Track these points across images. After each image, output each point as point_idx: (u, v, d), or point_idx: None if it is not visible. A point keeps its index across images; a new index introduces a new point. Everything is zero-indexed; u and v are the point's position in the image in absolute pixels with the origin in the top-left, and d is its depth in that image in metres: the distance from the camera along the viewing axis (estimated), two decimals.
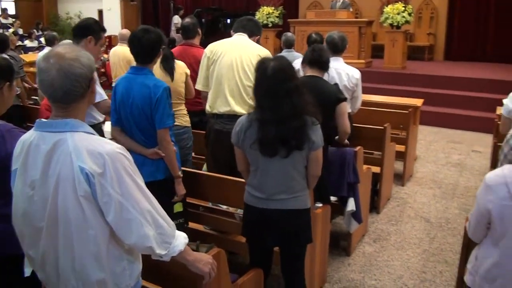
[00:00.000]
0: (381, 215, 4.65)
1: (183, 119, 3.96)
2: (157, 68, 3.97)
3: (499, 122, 4.28)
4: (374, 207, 4.68)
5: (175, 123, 4.06)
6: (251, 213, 2.53)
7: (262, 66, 2.34)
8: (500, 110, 3.78)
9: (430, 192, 5.27)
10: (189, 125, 4.02)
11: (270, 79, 2.30)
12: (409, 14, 9.24)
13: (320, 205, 3.30)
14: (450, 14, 11.52)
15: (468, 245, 2.56)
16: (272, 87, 2.30)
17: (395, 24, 9.27)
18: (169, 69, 3.88)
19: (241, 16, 3.88)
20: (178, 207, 3.05)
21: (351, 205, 3.65)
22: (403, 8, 9.18)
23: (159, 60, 3.78)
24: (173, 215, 2.88)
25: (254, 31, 3.68)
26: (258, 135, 2.33)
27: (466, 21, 11.35)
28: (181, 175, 2.98)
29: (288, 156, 2.34)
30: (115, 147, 1.57)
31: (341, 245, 4.01)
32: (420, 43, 11.59)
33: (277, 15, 11.19)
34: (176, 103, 4.05)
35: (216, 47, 3.58)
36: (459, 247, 2.89)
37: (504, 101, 3.67)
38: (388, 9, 9.33)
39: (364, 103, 4.83)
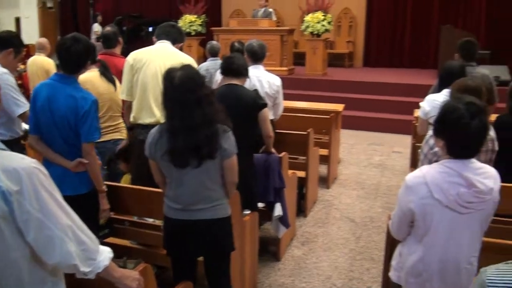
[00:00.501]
0: (308, 218, 4.73)
1: (124, 132, 3.86)
2: (97, 78, 3.83)
3: (416, 124, 4.49)
4: (301, 211, 4.76)
5: (118, 137, 3.95)
6: (170, 225, 2.50)
7: (169, 76, 2.31)
8: (417, 113, 3.98)
9: (354, 193, 5.43)
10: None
11: (178, 88, 2.27)
12: (329, 23, 9.52)
13: (248, 212, 3.29)
14: (368, 23, 12.03)
15: (392, 243, 2.64)
16: (180, 97, 2.27)
17: (316, 32, 9.53)
18: (111, 78, 3.78)
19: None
20: (102, 221, 2.96)
21: (278, 210, 3.67)
22: (323, 17, 9.45)
23: (98, 70, 3.65)
24: (97, 229, 2.77)
25: (177, 38, 3.63)
26: (168, 145, 2.30)
27: (383, 29, 11.91)
28: (106, 189, 2.89)
29: (200, 166, 2.31)
30: (30, 162, 1.49)
31: (270, 250, 4.03)
32: (340, 50, 11.98)
33: (199, 23, 11.14)
34: (116, 115, 3.94)
35: (139, 55, 3.49)
36: (384, 244, 2.97)
37: (421, 104, 3.87)
38: (308, 18, 9.57)
39: (287, 110, 4.91)
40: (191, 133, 2.26)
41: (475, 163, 2.02)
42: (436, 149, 2.83)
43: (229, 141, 2.37)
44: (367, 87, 9.30)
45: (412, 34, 11.61)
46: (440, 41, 9.70)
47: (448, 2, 11.14)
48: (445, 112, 2.01)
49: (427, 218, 2.04)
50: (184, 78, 2.27)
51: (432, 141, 2.88)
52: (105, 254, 1.67)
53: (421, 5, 11.36)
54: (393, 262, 2.32)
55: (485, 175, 1.99)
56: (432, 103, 3.72)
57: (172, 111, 2.31)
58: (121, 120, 3.91)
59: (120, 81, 3.65)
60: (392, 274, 2.31)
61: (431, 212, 2.01)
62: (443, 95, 3.71)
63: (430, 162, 2.84)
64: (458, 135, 1.96)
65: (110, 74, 3.86)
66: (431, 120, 2.69)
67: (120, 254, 2.99)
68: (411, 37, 11.64)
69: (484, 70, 4.65)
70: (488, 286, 1.15)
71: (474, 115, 1.92)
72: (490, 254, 2.17)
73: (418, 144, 4.30)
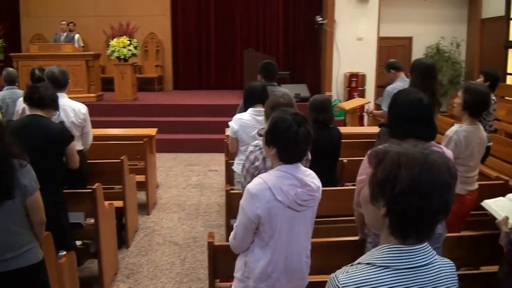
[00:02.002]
0: (131, 249, 4.56)
1: None
2: None
3: (228, 142, 4.65)
4: (123, 242, 4.56)
5: None
6: None
7: None
8: (227, 131, 4.13)
9: (175, 216, 5.41)
10: None
11: None
12: (135, 48, 9.43)
13: (64, 253, 3.04)
14: (174, 47, 12.24)
15: (214, 258, 2.68)
16: None
17: (122, 57, 9.35)
18: None
19: None
20: None
21: None
22: (129, 42, 9.32)
23: None
24: None
25: None
26: None
27: (190, 53, 12.26)
28: None
29: None
30: None
31: None
32: (149, 74, 11.95)
33: None
34: None
35: None
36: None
37: (230, 123, 4.04)
38: (113, 42, 9.35)
39: (98, 138, 4.70)
40: None
41: (301, 166, 2.26)
42: (257, 163, 3.00)
43: (28, 176, 2.17)
44: (178, 109, 9.42)
45: (218, 58, 12.19)
46: (244, 63, 10.37)
47: (249, 29, 12.03)
48: (276, 122, 2.20)
49: (272, 221, 2.17)
50: None
51: (252, 157, 3.04)
52: None
53: (224, 31, 12.04)
54: (237, 274, 2.36)
55: (311, 176, 2.26)
56: (239, 121, 3.93)
57: None
58: None
59: None
60: (237, 286, 2.35)
61: (275, 214, 2.16)
62: (248, 114, 3.94)
63: (253, 176, 2.98)
64: (289, 142, 2.16)
65: None
66: (261, 131, 2.86)
67: None
68: (217, 60, 12.21)
69: (284, 89, 5.05)
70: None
71: (300, 124, 2.18)
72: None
73: (231, 161, 4.48)
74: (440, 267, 1.30)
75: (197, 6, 11.95)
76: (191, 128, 8.92)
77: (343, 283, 1.23)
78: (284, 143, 2.17)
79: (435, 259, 1.30)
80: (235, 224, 2.30)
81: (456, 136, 3.30)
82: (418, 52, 11.04)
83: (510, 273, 2.57)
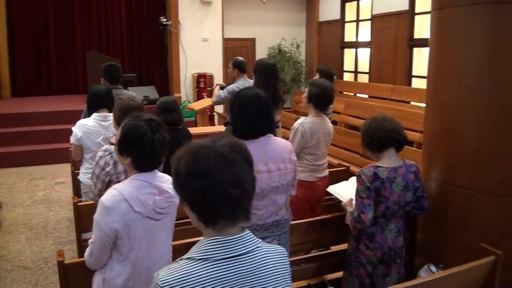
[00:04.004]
0: None
1: None
2: None
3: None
4: None
5: None
6: None
7: None
8: (71, 139, 3.88)
9: (23, 237, 4.97)
10: None
11: None
12: None
13: None
14: (11, 51, 11.10)
15: (66, 278, 2.51)
16: None
17: None
18: None
19: None
20: None
21: None
22: None
23: None
24: None
25: None
26: None
27: (28, 57, 11.19)
28: None
29: None
30: None
31: None
32: None
33: None
34: None
35: None
36: None
37: (73, 129, 3.82)
38: None
39: None
40: None
41: (158, 173, 2.20)
42: (108, 168, 2.87)
43: None
44: (18, 118, 8.63)
45: (59, 60, 11.34)
46: (87, 66, 9.87)
47: (91, 30, 11.37)
48: (129, 130, 2.11)
49: (131, 234, 2.07)
50: None
51: (102, 162, 2.90)
52: None
53: (64, 32, 11.20)
54: None
55: (169, 181, 2.18)
56: (83, 128, 3.74)
57: None
58: None
59: None
60: None
61: (134, 226, 2.07)
62: (93, 120, 3.78)
63: (103, 183, 2.86)
64: (144, 150, 2.09)
65: None
66: (112, 140, 2.70)
67: None
68: (58, 63, 11.36)
69: (131, 92, 4.93)
70: (162, 286, 1.23)
71: (155, 130, 2.12)
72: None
73: (76, 171, 4.25)
74: (265, 254, 1.34)
75: (34, 6, 10.98)
76: (34, 138, 8.24)
77: (163, 281, 1.24)
78: (139, 151, 2.11)
79: (258, 247, 1.33)
80: (90, 241, 2.16)
81: (302, 128, 3.57)
82: (261, 53, 11.59)
83: (356, 246, 2.85)
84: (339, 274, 3.12)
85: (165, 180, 2.20)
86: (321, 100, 3.65)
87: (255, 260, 1.30)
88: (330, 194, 3.45)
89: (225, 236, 1.28)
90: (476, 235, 2.74)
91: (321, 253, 3.31)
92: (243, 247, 1.29)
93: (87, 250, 2.20)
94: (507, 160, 2.65)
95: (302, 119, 3.67)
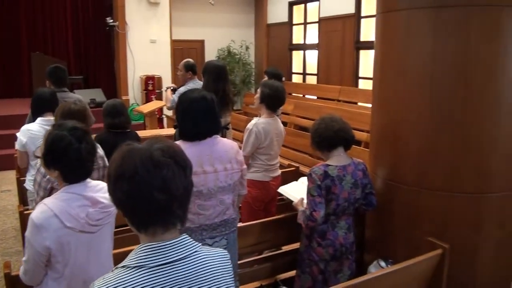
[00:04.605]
0: None
1: None
2: None
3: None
4: None
5: None
6: None
7: None
8: (16, 145, 3.75)
9: None
10: None
11: None
12: None
13: None
14: None
15: None
16: None
17: None
18: None
19: None
20: None
21: None
22: None
23: None
24: None
25: None
26: None
27: None
28: None
29: None
30: None
31: None
32: None
33: None
34: None
35: None
36: None
37: (17, 134, 3.69)
38: None
39: None
40: None
41: (91, 182, 2.09)
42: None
43: None
44: None
45: (3, 63, 10.83)
46: (32, 68, 9.54)
47: (36, 31, 10.93)
48: (52, 142, 1.98)
49: (65, 250, 1.97)
50: None
51: (43, 169, 2.79)
52: None
53: (8, 32, 10.70)
54: None
55: (103, 190, 2.06)
56: (28, 133, 3.62)
57: None
58: None
59: None
60: None
61: (68, 243, 1.96)
62: (38, 124, 3.66)
63: (45, 190, 2.76)
64: (71, 161, 1.98)
65: None
66: (37, 153, 2.60)
67: None
68: (2, 66, 10.85)
69: (77, 95, 4.81)
70: None
71: (81, 139, 1.99)
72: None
73: (22, 178, 4.10)
74: (204, 258, 1.31)
75: None
76: None
77: None
78: (66, 163, 1.99)
79: (197, 251, 1.30)
80: (23, 259, 2.04)
81: (256, 128, 3.61)
82: (210, 54, 11.56)
83: (308, 244, 2.91)
84: (292, 273, 3.16)
85: (99, 189, 2.08)
86: (273, 101, 3.70)
87: (193, 265, 1.27)
88: (282, 194, 3.50)
89: (160, 242, 1.25)
90: (423, 230, 2.86)
91: (273, 253, 3.35)
92: (179, 252, 1.26)
93: (22, 268, 2.08)
94: (448, 156, 2.78)
95: (255, 120, 3.71)
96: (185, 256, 1.27)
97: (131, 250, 1.31)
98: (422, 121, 2.84)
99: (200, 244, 1.33)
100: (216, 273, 1.32)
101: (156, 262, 1.23)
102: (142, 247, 1.26)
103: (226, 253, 1.40)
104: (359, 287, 2.37)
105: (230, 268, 1.38)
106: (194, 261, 1.28)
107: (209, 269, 1.30)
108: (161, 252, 1.24)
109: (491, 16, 2.63)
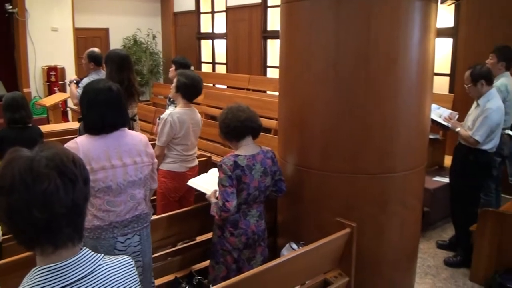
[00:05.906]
0: None
1: None
2: None
3: None
4: None
5: None
6: None
7: None
8: None
9: None
10: None
11: None
12: None
13: None
14: None
15: None
16: None
17: None
18: None
19: None
20: None
21: None
22: None
23: None
24: None
25: None
26: None
27: None
28: None
29: None
30: None
31: None
32: None
33: None
34: None
35: None
36: None
37: None
38: None
39: None
40: None
41: None
42: None
43: None
44: None
45: None
46: None
47: None
48: None
49: None
50: None
51: None
52: None
53: None
54: None
55: None
56: None
57: None
58: None
59: None
60: None
61: None
62: None
63: None
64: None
65: None
66: None
67: None
68: None
69: None
70: None
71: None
72: None
73: None
74: (108, 271, 1.22)
75: None
76: None
77: None
78: None
79: (100, 265, 1.21)
80: None
81: (170, 118, 3.55)
82: (116, 43, 11.15)
83: (220, 235, 2.92)
84: (206, 263, 3.16)
85: None
86: (189, 90, 3.66)
87: (98, 280, 1.18)
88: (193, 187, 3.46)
89: (57, 264, 1.12)
90: (332, 212, 2.96)
91: (186, 245, 3.32)
92: (80, 271, 1.15)
93: None
94: (349, 141, 2.89)
95: (170, 110, 3.65)
96: (88, 272, 1.16)
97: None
98: (327, 107, 2.93)
99: (102, 255, 1.24)
100: (122, 283, 1.25)
101: (57, 285, 1.11)
102: (38, 270, 1.12)
103: (130, 260, 1.32)
104: (272, 270, 2.41)
105: (135, 274, 1.32)
106: (98, 277, 1.19)
107: (115, 280, 1.23)
108: (59, 274, 1.12)
109: (390, 4, 2.76)
